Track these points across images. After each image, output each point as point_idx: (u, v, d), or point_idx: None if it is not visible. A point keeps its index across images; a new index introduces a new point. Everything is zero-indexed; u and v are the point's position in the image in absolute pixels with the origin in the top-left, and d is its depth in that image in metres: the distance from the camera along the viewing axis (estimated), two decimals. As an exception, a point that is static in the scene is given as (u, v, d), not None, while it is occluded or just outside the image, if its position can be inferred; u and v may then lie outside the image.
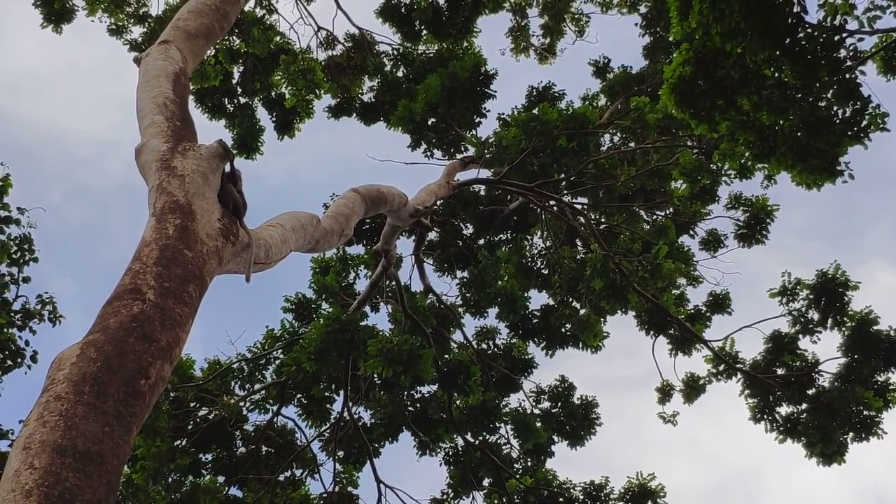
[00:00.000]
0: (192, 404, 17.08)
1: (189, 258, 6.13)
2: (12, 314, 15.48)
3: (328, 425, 17.36)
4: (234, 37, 19.93)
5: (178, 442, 16.55)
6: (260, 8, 20.35)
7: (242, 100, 21.27)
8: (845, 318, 17.15)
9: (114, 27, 20.23)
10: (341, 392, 16.43)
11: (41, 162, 49.12)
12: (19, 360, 15.56)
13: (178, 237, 6.23)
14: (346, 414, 16.73)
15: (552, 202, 18.71)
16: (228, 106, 21.19)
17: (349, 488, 17.38)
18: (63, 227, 48.63)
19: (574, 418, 18.34)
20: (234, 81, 21.01)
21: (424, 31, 20.97)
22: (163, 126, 7.74)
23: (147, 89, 8.42)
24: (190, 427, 16.88)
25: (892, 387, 16.62)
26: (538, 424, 18.07)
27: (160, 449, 15.81)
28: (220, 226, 6.71)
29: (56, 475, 4.28)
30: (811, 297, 17.44)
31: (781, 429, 17.49)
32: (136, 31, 20.45)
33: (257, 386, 17.70)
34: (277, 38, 20.49)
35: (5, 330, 15.33)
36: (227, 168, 7.40)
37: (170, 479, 16.29)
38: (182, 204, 6.55)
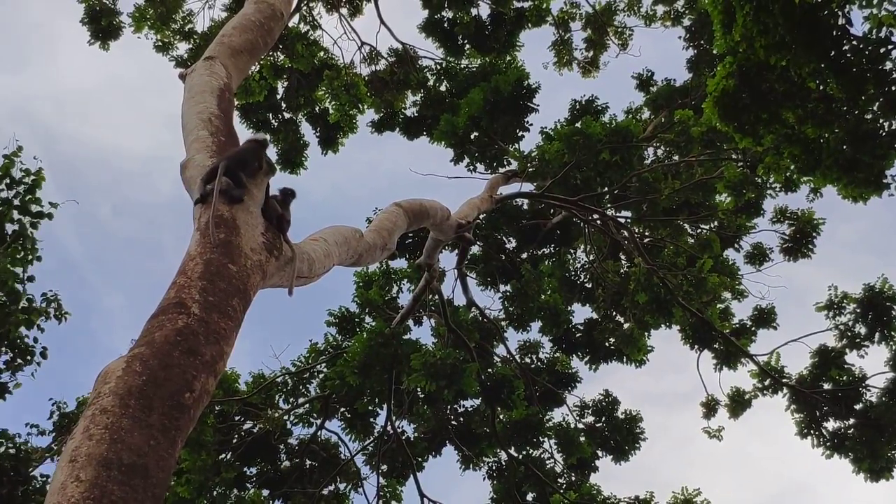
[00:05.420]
0: (236, 418, 17.17)
1: (233, 272, 6.17)
2: (20, 313, 15.60)
3: (372, 439, 17.36)
4: (279, 52, 20.04)
5: (223, 455, 16.63)
6: (304, 24, 20.48)
7: (286, 115, 21.36)
8: (893, 333, 16.97)
9: (160, 44, 20.40)
10: (385, 406, 16.42)
11: (89, 178, 49.70)
12: (29, 357, 15.73)
13: (223, 251, 6.27)
14: (389, 428, 16.73)
15: (595, 216, 18.66)
16: (273, 121, 21.29)
17: (393, 502, 17.37)
18: (113, 242, 49.14)
19: (618, 433, 18.23)
20: (278, 97, 21.12)
21: (467, 46, 21.02)
22: (207, 141, 7.81)
23: (192, 105, 8.49)
24: (235, 441, 16.96)
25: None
26: (582, 439, 17.97)
27: (205, 462, 15.89)
28: (263, 240, 6.75)
29: (102, 488, 4.32)
30: (858, 311, 17.28)
31: (828, 444, 17.33)
32: (182, 48, 20.64)
33: (301, 400, 17.76)
34: (321, 54, 20.60)
35: (16, 329, 15.48)
36: (283, 187, 7.54)
37: (215, 493, 16.37)
38: (227, 218, 6.60)
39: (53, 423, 17.00)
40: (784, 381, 17.97)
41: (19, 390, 15.78)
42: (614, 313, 19.03)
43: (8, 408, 15.94)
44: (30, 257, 15.81)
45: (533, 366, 19.25)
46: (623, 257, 19.53)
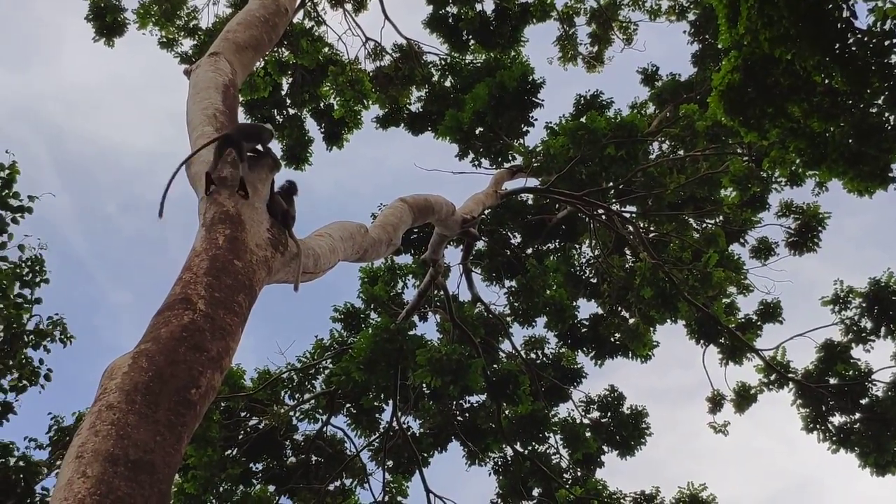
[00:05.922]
0: (242, 414, 17.18)
1: (239, 268, 6.17)
2: (27, 335, 15.61)
3: (377, 435, 17.37)
4: (283, 48, 20.04)
5: (229, 451, 16.64)
6: (308, 20, 20.46)
7: (291, 111, 21.38)
8: (899, 327, 16.97)
9: (164, 40, 20.36)
10: (390, 402, 16.42)
11: (95, 175, 49.73)
12: (34, 378, 15.75)
13: (228, 247, 6.27)
14: (395, 423, 16.73)
15: (600, 211, 18.64)
16: (277, 117, 21.29)
17: (399, 498, 17.38)
18: (118, 239, 49.19)
19: (624, 428, 18.22)
20: (283, 93, 21.12)
21: (472, 41, 21.02)
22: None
23: (197, 101, 8.48)
24: (240, 437, 16.97)
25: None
26: (587, 434, 17.97)
27: (211, 458, 15.90)
28: (269, 236, 6.75)
29: (108, 484, 4.32)
30: (864, 305, 17.26)
31: (834, 438, 17.32)
32: (187, 44, 20.61)
33: (307, 396, 17.75)
34: (326, 50, 20.59)
35: (22, 350, 15.49)
36: (284, 181, 7.54)
37: (221, 489, 16.39)
38: (232, 214, 6.60)
39: (50, 438, 16.79)
40: (790, 375, 17.97)
41: (20, 402, 15.80)
42: (620, 308, 19.04)
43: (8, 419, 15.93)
44: (38, 279, 15.83)
45: (538, 361, 19.26)
46: (628, 252, 19.52)
